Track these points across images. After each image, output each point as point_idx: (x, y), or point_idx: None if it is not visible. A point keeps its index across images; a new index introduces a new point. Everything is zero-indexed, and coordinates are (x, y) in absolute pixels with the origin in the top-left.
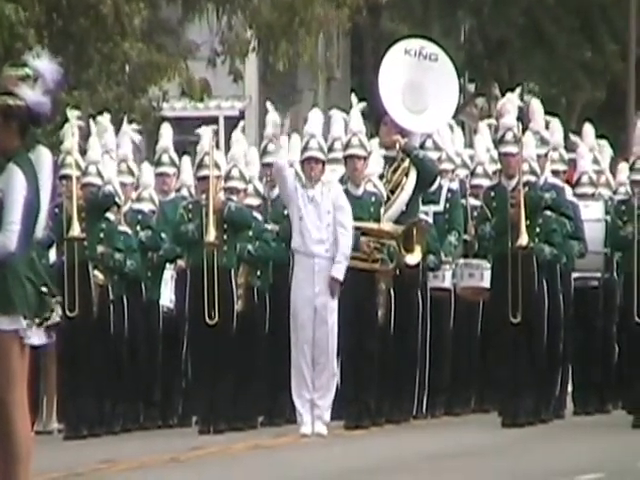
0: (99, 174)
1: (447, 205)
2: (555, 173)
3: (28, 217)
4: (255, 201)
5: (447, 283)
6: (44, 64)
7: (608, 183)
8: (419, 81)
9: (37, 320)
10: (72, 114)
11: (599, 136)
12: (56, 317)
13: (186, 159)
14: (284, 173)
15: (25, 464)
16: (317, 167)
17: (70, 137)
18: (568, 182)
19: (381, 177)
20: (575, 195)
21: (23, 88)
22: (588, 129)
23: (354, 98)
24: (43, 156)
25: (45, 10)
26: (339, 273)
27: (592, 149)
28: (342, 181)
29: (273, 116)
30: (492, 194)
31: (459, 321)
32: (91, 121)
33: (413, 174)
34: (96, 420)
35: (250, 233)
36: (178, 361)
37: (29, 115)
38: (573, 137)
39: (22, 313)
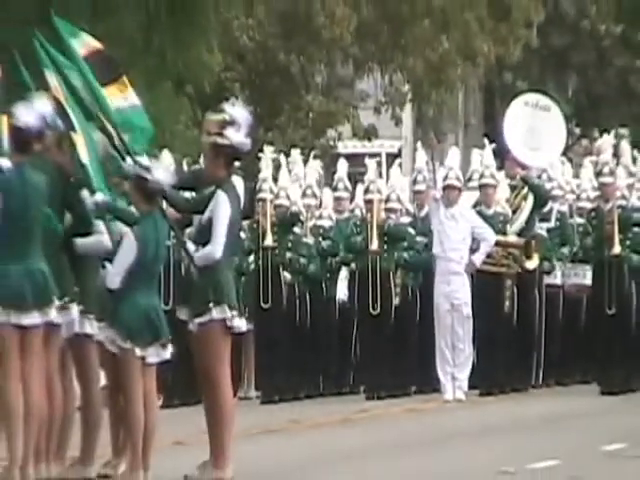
0: (288, 197)
1: (557, 223)
2: None
3: (231, 232)
4: (407, 219)
5: (558, 280)
6: (238, 111)
7: None
8: (535, 126)
9: (238, 311)
10: (268, 150)
11: None
12: None
13: (360, 187)
14: (435, 197)
15: (230, 424)
16: (454, 192)
17: (265, 168)
18: None
19: (507, 200)
20: None
21: (229, 130)
22: None
23: (486, 140)
24: (237, 183)
25: (247, 71)
26: (477, 260)
27: None
28: (477, 204)
29: (420, 154)
30: (593, 214)
31: (567, 311)
32: (282, 156)
33: (530, 198)
34: (285, 389)
35: (405, 244)
36: (350, 343)
37: (234, 152)
38: None
39: (228, 305)
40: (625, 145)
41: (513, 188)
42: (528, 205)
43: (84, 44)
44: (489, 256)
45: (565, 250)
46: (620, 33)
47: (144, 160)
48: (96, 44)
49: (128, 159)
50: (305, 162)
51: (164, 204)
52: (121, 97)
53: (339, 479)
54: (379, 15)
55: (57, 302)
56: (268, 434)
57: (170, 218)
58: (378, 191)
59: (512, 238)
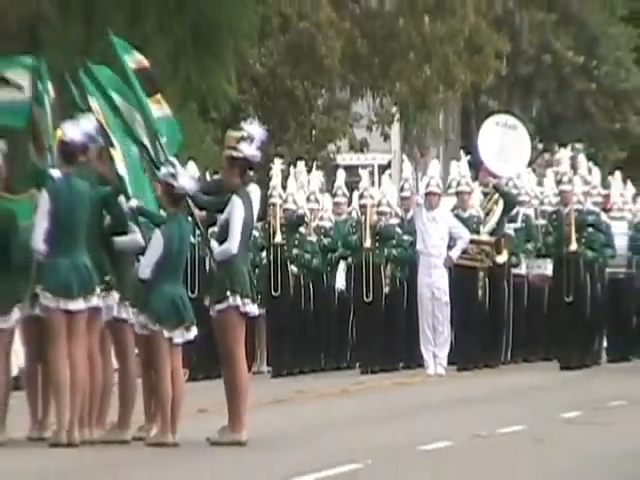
0: (294, 202)
1: (523, 224)
2: (594, 203)
3: (245, 231)
4: (395, 220)
5: (524, 272)
6: (255, 128)
7: (631, 210)
8: (504, 142)
9: (251, 298)
10: (277, 162)
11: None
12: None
13: (355, 194)
14: (419, 202)
15: (244, 395)
16: (435, 198)
17: (275, 177)
18: (604, 209)
19: (480, 205)
20: (609, 217)
21: (243, 145)
22: (618, 175)
23: (463, 153)
24: (254, 190)
25: (259, 94)
26: (454, 255)
27: (619, 188)
28: (454, 208)
29: (407, 166)
30: (554, 216)
31: (532, 298)
32: (290, 167)
33: (500, 203)
34: (292, 364)
35: (394, 242)
36: (347, 325)
37: (247, 163)
38: (609, 178)
39: (240, 294)
40: (582, 158)
41: (486, 194)
42: (498, 209)
43: (135, 60)
44: (465, 252)
45: (530, 246)
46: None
47: (175, 167)
48: (144, 61)
49: (162, 168)
50: (309, 172)
51: (192, 206)
52: (158, 108)
53: (339, 442)
54: (371, 49)
55: (98, 290)
56: (277, 403)
57: (197, 218)
58: (371, 197)
59: (485, 237)
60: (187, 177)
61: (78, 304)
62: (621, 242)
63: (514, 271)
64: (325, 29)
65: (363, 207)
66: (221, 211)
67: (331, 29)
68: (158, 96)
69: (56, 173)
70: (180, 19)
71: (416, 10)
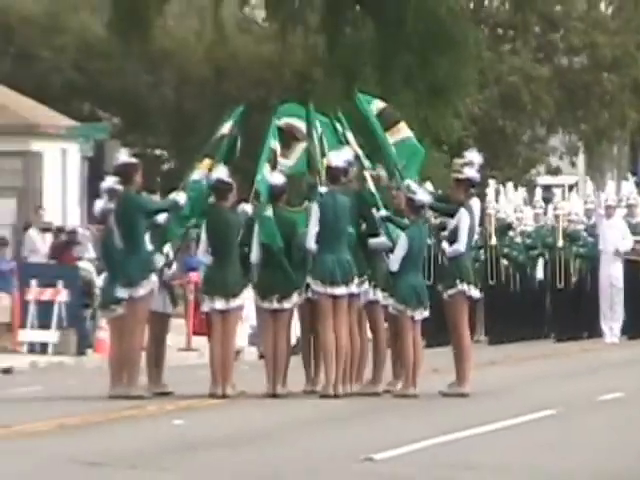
0: (505, 212)
1: None
2: None
3: (469, 235)
4: (581, 226)
5: None
6: (475, 156)
7: None
8: None
9: (473, 285)
10: (491, 182)
11: None
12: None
13: (550, 206)
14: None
15: (468, 358)
16: (611, 209)
17: (490, 193)
18: None
19: None
20: None
21: (466, 169)
22: None
23: (630, 175)
24: (475, 204)
25: (478, 131)
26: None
27: None
28: (626, 216)
29: (589, 185)
30: None
31: None
32: (501, 186)
33: None
34: (504, 335)
35: (580, 242)
36: (544, 305)
37: (469, 183)
38: None
39: (466, 282)
40: None
41: None
42: None
43: (376, 107)
44: (633, 250)
45: None
46: None
47: (413, 185)
48: (380, 103)
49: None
50: (515, 190)
51: (429, 213)
52: (398, 135)
53: (538, 393)
54: (565, 98)
55: (356, 279)
56: (492, 365)
57: (431, 225)
58: (562, 208)
59: None
60: (423, 192)
61: (341, 290)
62: None
63: None
64: (529, 82)
65: (557, 216)
66: (451, 216)
67: (538, 85)
68: (398, 125)
69: (324, 190)
70: (421, 76)
71: (599, 67)
